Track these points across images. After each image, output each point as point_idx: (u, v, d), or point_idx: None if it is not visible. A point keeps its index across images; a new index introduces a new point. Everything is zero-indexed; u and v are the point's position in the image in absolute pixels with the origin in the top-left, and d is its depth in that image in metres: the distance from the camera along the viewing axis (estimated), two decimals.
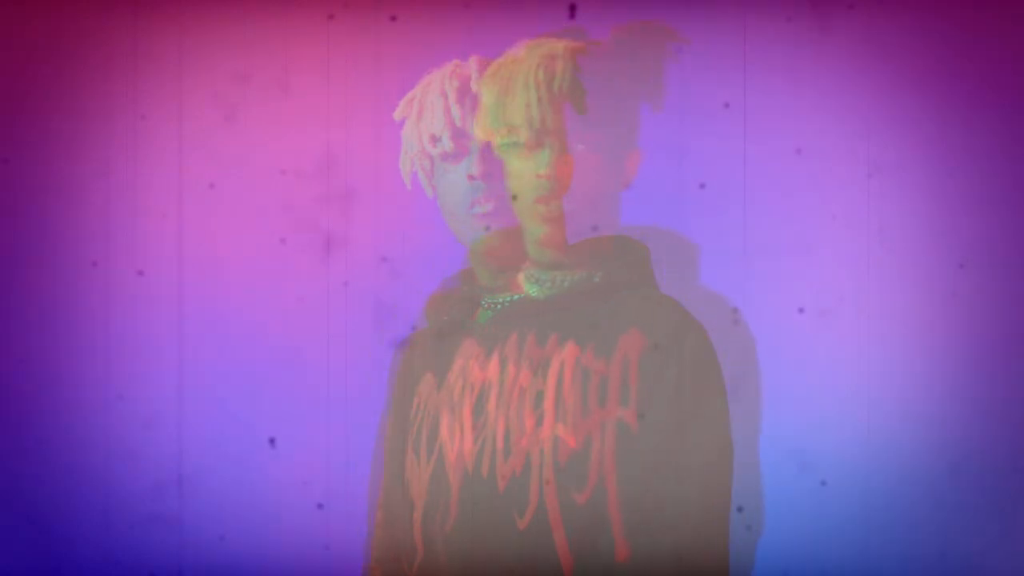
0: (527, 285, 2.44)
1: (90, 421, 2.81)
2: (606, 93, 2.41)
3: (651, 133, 2.57)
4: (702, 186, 2.69)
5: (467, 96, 2.50)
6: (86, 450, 2.80)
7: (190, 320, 2.82)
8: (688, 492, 2.31)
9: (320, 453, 2.78)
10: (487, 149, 2.47)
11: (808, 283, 2.67)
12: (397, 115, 2.57)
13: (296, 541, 2.78)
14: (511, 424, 2.37)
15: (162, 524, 2.79)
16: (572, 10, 2.67)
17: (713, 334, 2.40)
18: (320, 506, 2.78)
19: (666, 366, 2.34)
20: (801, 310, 2.67)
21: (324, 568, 2.76)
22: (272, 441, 2.79)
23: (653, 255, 2.46)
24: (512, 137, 2.37)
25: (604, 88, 2.40)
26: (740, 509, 2.61)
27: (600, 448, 2.33)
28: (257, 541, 2.79)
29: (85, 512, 2.80)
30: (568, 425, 2.34)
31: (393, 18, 2.79)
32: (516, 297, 2.45)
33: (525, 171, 2.38)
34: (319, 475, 2.78)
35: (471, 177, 2.49)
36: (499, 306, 2.46)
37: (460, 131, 2.50)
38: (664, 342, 2.35)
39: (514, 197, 2.40)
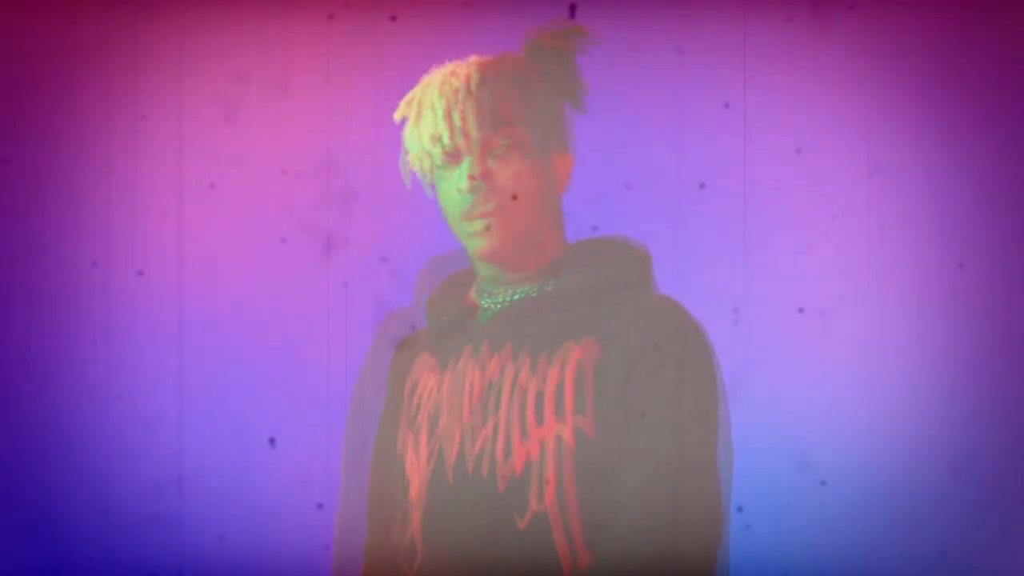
0: (479, 299, 2.45)
1: (90, 421, 2.81)
2: (525, 97, 2.41)
3: (651, 133, 2.57)
4: (702, 186, 2.69)
5: (467, 96, 2.50)
6: (86, 450, 2.80)
7: (190, 320, 2.82)
8: (686, 492, 2.31)
9: (320, 453, 2.78)
10: (487, 150, 2.47)
11: (808, 283, 2.67)
12: (397, 115, 2.57)
13: (296, 541, 2.78)
14: (511, 424, 2.37)
15: (162, 524, 2.79)
16: (572, 10, 2.68)
17: (713, 334, 2.40)
18: (320, 506, 2.78)
19: (665, 366, 2.34)
20: (801, 310, 2.67)
21: (324, 568, 2.76)
22: (272, 441, 2.79)
23: (612, 264, 2.46)
24: (444, 146, 2.38)
25: (522, 93, 2.41)
26: (740, 509, 2.61)
27: (557, 453, 2.33)
28: (257, 541, 2.79)
29: (85, 512, 2.80)
30: (568, 425, 2.34)
31: (393, 18, 2.79)
32: (516, 297, 2.45)
33: (452, 185, 2.39)
34: (319, 475, 2.78)
35: (471, 177, 2.48)
36: (499, 306, 2.46)
37: (460, 131, 2.49)
38: (663, 342, 2.35)
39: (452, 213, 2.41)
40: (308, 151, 2.81)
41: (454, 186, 2.40)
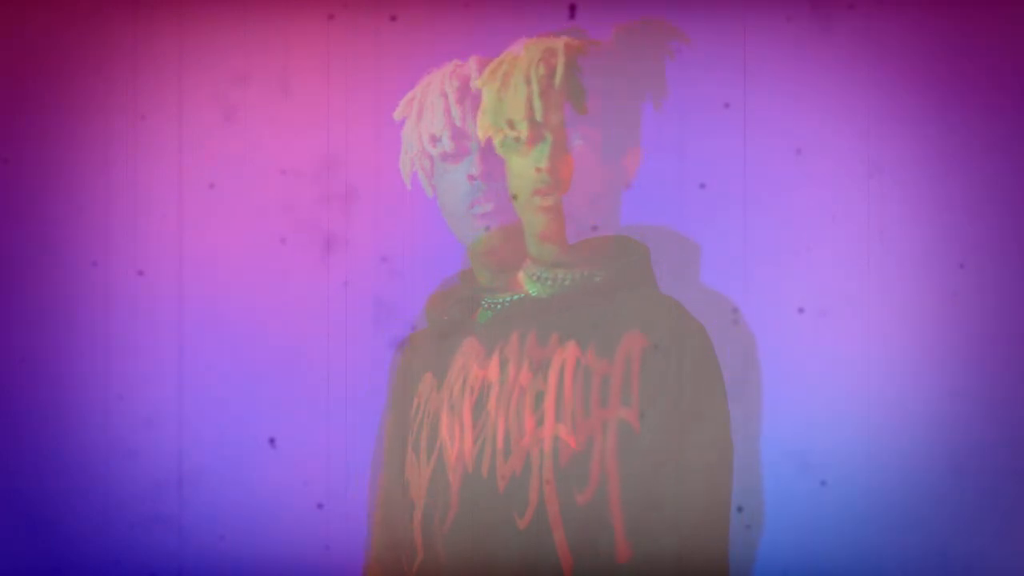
0: (528, 283, 2.44)
1: (90, 421, 2.81)
2: (607, 91, 2.41)
3: (651, 133, 2.57)
4: (702, 186, 2.69)
5: (467, 96, 2.50)
6: (86, 450, 2.80)
7: (190, 320, 2.82)
8: (688, 492, 2.31)
9: (320, 453, 2.78)
10: (487, 149, 2.47)
11: (808, 283, 2.67)
12: (397, 115, 2.57)
13: (296, 541, 2.78)
14: (511, 424, 2.37)
15: (162, 524, 2.79)
16: (572, 10, 2.68)
17: (713, 334, 2.40)
18: (320, 506, 2.78)
19: (666, 366, 2.34)
20: (801, 310, 2.67)
21: (324, 568, 2.76)
22: (272, 441, 2.79)
23: (653, 254, 2.47)
24: (513, 133, 2.38)
25: (605, 86, 2.41)
26: (740, 509, 2.61)
27: (602, 448, 2.33)
28: (257, 541, 2.79)
29: (85, 512, 2.80)
30: (568, 425, 2.34)
31: (393, 18, 2.79)
32: (516, 297, 2.45)
33: (525, 166, 2.38)
34: (319, 475, 2.78)
35: (471, 177, 2.49)
36: (499, 306, 2.46)
37: (460, 131, 2.50)
38: (664, 342, 2.35)
39: (514, 197, 2.40)
40: (308, 151, 2.81)
41: (531, 166, 2.39)
